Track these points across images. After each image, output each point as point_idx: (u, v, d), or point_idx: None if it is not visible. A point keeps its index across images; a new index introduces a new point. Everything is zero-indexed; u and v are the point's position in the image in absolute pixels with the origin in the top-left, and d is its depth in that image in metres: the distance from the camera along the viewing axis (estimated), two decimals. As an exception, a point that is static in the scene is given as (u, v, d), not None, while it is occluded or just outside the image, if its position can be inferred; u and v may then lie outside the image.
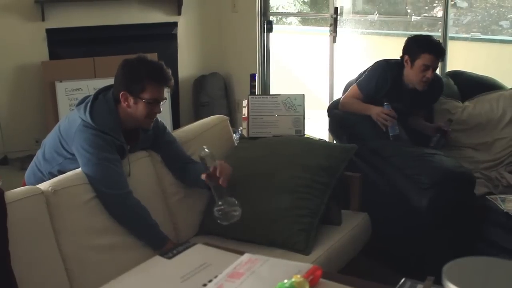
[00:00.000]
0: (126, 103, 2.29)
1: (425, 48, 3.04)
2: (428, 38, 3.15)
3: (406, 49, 3.13)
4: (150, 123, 2.35)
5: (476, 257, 1.00)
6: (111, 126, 2.27)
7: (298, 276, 1.13)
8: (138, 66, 2.29)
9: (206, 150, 2.27)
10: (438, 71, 3.93)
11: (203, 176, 2.27)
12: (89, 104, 2.27)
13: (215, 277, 1.19)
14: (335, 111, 3.39)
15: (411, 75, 3.11)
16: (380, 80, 3.18)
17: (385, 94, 3.16)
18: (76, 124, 2.25)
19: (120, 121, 2.31)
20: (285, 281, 1.11)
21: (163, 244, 2.26)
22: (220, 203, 2.18)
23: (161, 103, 2.33)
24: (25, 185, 2.37)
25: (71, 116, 2.36)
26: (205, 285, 1.19)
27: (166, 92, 2.38)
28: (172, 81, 2.34)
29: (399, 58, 3.18)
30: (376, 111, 3.09)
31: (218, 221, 2.19)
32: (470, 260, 0.99)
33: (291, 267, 1.22)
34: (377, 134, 3.09)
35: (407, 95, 3.18)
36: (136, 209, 2.26)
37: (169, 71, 2.33)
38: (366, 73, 3.29)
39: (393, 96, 3.14)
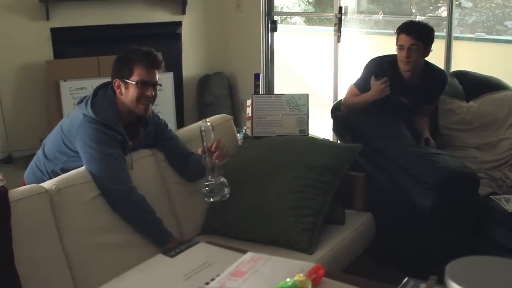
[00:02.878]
0: (119, 90, 2.32)
1: (400, 29, 3.15)
2: (408, 21, 3.24)
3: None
4: (145, 109, 2.34)
5: (479, 257, 0.99)
6: (112, 117, 2.29)
7: (301, 275, 1.13)
8: (128, 54, 2.36)
9: (208, 123, 2.27)
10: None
11: (200, 150, 2.29)
12: (90, 99, 2.31)
13: (218, 275, 1.19)
14: (338, 112, 3.39)
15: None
16: (376, 72, 3.19)
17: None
18: (78, 120, 2.27)
19: (120, 114, 2.33)
20: (288, 279, 1.11)
21: (167, 241, 2.26)
22: (210, 177, 2.24)
23: (158, 88, 2.35)
24: (24, 184, 2.38)
25: (72, 114, 2.38)
26: (207, 283, 1.19)
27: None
28: (162, 64, 2.38)
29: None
30: (377, 90, 3.11)
31: (205, 197, 2.26)
32: (473, 260, 0.98)
33: (293, 266, 1.22)
34: (381, 134, 3.08)
35: (410, 89, 3.18)
36: (140, 204, 2.27)
37: (159, 57, 2.37)
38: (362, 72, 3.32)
39: (395, 90, 3.14)
